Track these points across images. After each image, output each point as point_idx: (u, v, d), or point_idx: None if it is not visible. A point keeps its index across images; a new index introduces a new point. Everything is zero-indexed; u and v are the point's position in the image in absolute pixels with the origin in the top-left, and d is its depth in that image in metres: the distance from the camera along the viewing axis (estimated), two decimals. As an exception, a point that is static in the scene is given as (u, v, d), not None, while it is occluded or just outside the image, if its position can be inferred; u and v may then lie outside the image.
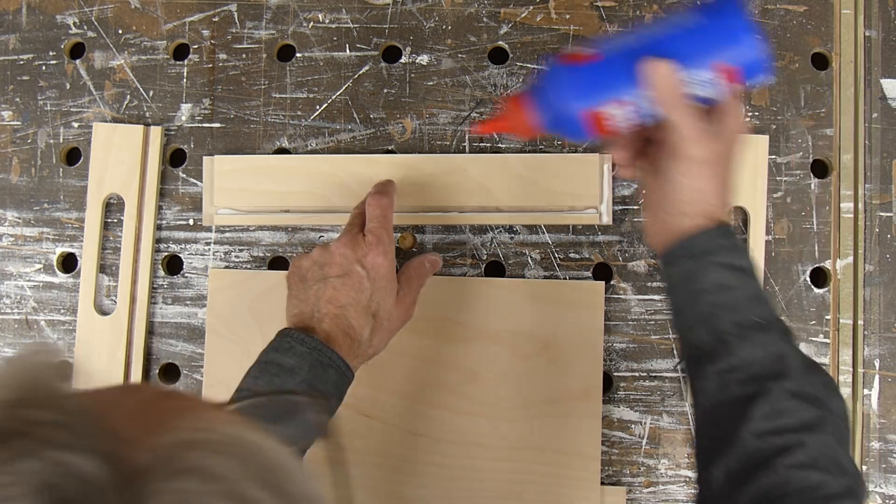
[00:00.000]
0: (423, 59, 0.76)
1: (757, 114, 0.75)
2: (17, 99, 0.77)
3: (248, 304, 0.74)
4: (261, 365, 0.58)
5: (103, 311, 0.75)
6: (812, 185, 0.75)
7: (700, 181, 0.51)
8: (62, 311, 0.75)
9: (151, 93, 0.77)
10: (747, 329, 0.50)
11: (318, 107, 0.76)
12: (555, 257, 0.74)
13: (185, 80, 0.77)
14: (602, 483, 0.71)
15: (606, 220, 0.74)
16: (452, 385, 0.72)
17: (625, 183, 0.75)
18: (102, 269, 0.76)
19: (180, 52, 0.78)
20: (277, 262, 0.76)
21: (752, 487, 0.47)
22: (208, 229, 0.76)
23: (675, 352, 0.73)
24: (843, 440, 0.50)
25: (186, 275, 0.75)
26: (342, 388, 0.59)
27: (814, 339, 0.73)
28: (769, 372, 0.49)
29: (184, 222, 0.76)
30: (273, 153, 0.76)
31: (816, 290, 0.74)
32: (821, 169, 0.75)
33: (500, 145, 0.75)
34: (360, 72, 0.76)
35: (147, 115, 0.77)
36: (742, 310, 0.51)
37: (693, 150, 0.51)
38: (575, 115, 0.54)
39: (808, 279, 0.74)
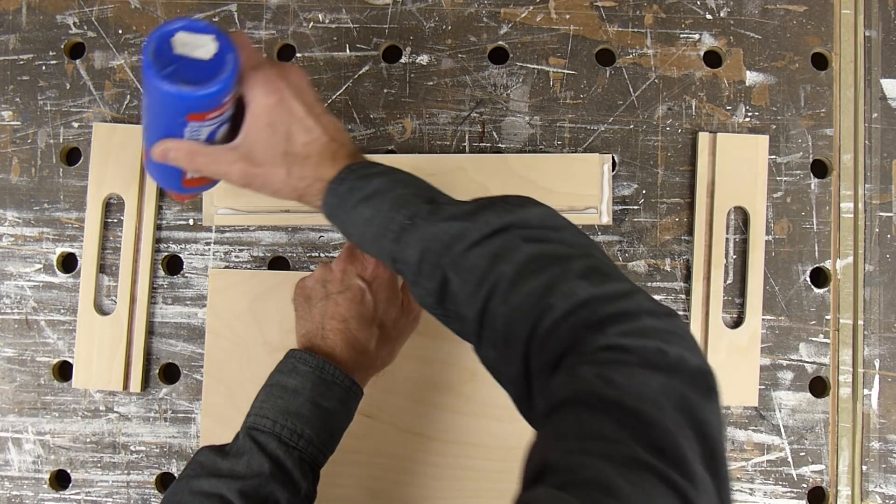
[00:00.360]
0: (423, 59, 0.76)
1: (757, 114, 0.75)
2: (17, 99, 0.77)
3: (248, 304, 0.74)
4: (267, 388, 0.59)
5: (103, 311, 0.75)
6: (812, 185, 0.75)
7: (276, 193, 0.56)
8: (62, 311, 0.75)
9: (151, 93, 0.77)
10: (399, 239, 0.51)
11: (318, 107, 0.76)
12: (555, 257, 0.74)
13: (185, 80, 0.77)
14: (602, 483, 0.71)
15: (606, 220, 0.74)
16: (452, 385, 0.72)
17: (625, 183, 0.75)
18: (102, 269, 0.76)
19: (180, 52, 0.78)
20: (277, 262, 0.76)
21: (524, 290, 0.47)
22: (208, 229, 0.76)
23: (675, 352, 0.73)
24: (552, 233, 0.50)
25: (186, 275, 0.75)
26: (349, 404, 0.60)
27: (814, 339, 0.73)
28: (439, 255, 0.50)
29: (184, 222, 0.76)
30: (273, 153, 0.76)
31: (816, 290, 0.74)
32: (821, 169, 0.75)
33: (500, 145, 0.75)
34: (360, 72, 0.76)
35: (147, 115, 0.77)
36: (387, 230, 0.52)
37: (243, 155, 0.56)
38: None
39: (808, 279, 0.74)
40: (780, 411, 0.73)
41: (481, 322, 0.49)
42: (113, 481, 0.74)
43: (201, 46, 0.52)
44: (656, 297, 0.73)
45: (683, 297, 0.74)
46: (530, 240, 0.48)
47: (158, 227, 0.76)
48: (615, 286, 0.46)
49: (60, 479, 0.75)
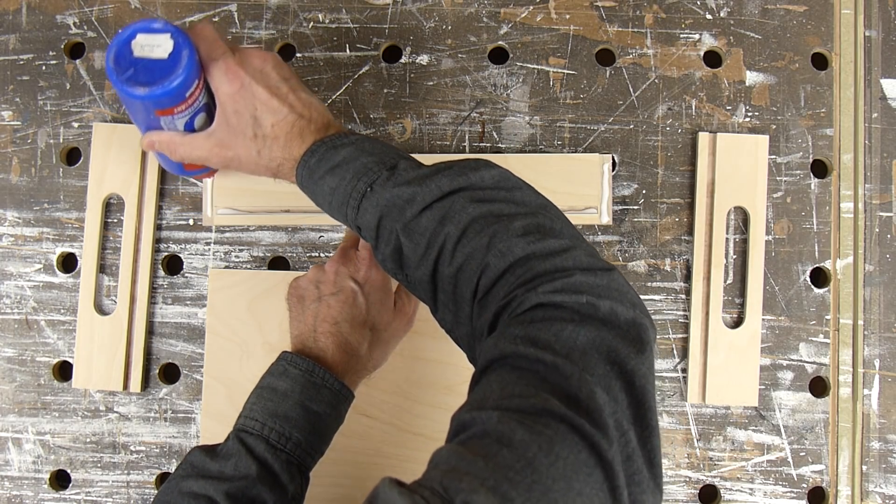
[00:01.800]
0: (423, 59, 0.76)
1: (757, 114, 0.75)
2: (17, 99, 0.77)
3: (248, 304, 0.74)
4: (258, 391, 0.59)
5: (103, 311, 0.75)
6: (812, 185, 0.75)
7: (252, 169, 0.59)
8: (62, 311, 0.75)
9: (151, 93, 0.77)
10: (359, 206, 0.53)
11: (318, 107, 0.76)
12: (555, 257, 0.74)
13: (185, 80, 0.77)
14: (602, 483, 0.71)
15: (606, 220, 0.74)
16: (452, 385, 0.72)
17: (625, 183, 0.75)
18: (102, 269, 0.76)
19: (180, 52, 0.78)
20: (277, 262, 0.76)
21: (462, 254, 0.48)
22: (208, 229, 0.76)
23: (674, 352, 0.73)
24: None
25: (186, 275, 0.75)
26: (339, 407, 0.60)
27: (814, 339, 0.73)
28: (390, 220, 0.51)
29: (184, 222, 0.76)
30: (273, 153, 0.76)
31: (816, 290, 0.74)
32: (821, 169, 0.75)
33: (500, 145, 0.75)
34: (360, 72, 0.76)
35: (147, 115, 0.77)
36: (349, 197, 0.53)
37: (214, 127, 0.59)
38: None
39: (808, 279, 0.74)
40: (780, 411, 0.73)
41: (434, 285, 0.50)
42: (113, 481, 0.74)
43: (158, 46, 0.55)
44: (656, 298, 0.73)
45: (683, 297, 0.74)
46: (478, 200, 0.49)
47: (158, 227, 0.76)
48: (553, 243, 0.46)
49: (60, 479, 0.75)
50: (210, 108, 0.61)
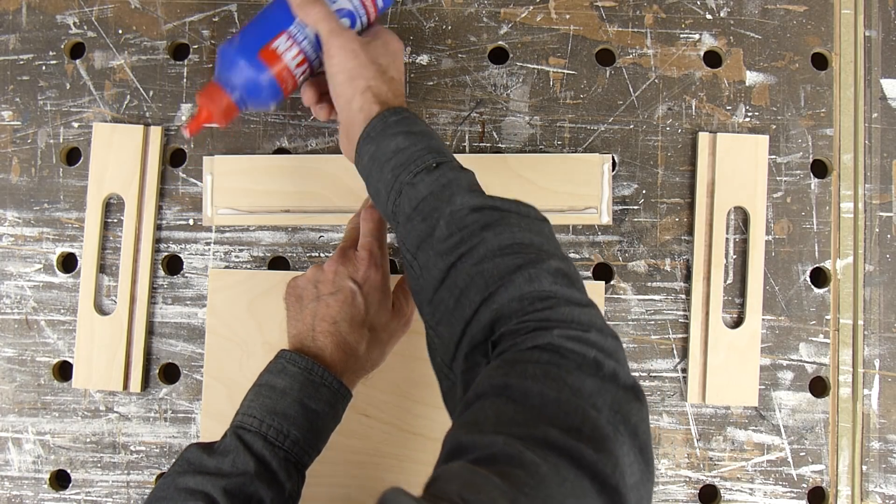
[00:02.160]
0: (423, 59, 0.76)
1: (757, 114, 0.75)
2: (17, 99, 0.77)
3: (247, 304, 0.74)
4: (256, 388, 0.59)
5: (103, 311, 0.75)
6: (812, 185, 0.75)
7: (357, 77, 0.59)
8: (62, 311, 0.75)
9: (151, 93, 0.77)
10: (419, 174, 0.55)
11: (318, 107, 0.76)
12: (555, 257, 0.74)
13: (185, 80, 0.77)
14: (602, 483, 0.71)
15: (606, 220, 0.74)
16: (452, 385, 0.72)
17: (625, 183, 0.75)
18: (102, 269, 0.76)
19: (180, 52, 0.78)
20: (277, 262, 0.76)
21: (446, 291, 0.50)
22: (208, 229, 0.76)
23: (674, 352, 0.73)
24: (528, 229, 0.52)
25: (186, 275, 0.75)
26: (337, 406, 0.60)
27: (814, 339, 0.73)
28: (440, 200, 0.53)
29: (184, 222, 0.76)
30: (273, 153, 0.76)
31: (816, 290, 0.74)
32: (821, 169, 0.75)
33: (500, 145, 0.75)
34: (360, 72, 0.76)
35: (147, 115, 0.77)
36: (416, 162, 0.55)
37: (342, 53, 0.60)
38: (255, 73, 0.62)
39: (808, 279, 0.74)
40: (780, 411, 0.73)
41: (444, 277, 0.51)
42: (113, 481, 0.74)
43: None
44: (656, 298, 0.74)
45: (683, 297, 0.74)
46: (526, 229, 0.51)
47: (158, 227, 0.76)
48: (577, 294, 0.48)
49: (60, 479, 0.75)
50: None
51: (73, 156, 0.77)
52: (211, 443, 0.57)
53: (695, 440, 0.73)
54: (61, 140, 0.77)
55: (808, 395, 0.73)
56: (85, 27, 0.77)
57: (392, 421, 0.72)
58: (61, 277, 0.76)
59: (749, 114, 0.75)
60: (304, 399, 0.58)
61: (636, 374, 0.73)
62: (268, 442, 0.56)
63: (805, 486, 0.72)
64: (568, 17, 0.76)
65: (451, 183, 0.54)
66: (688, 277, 0.74)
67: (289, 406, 0.57)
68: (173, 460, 0.73)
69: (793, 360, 0.73)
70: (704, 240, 0.73)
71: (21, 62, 0.77)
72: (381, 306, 0.63)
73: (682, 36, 0.76)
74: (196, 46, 0.77)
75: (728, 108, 0.75)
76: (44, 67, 0.77)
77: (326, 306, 0.61)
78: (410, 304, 0.67)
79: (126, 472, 0.74)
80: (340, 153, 0.75)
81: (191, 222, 0.76)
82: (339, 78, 0.60)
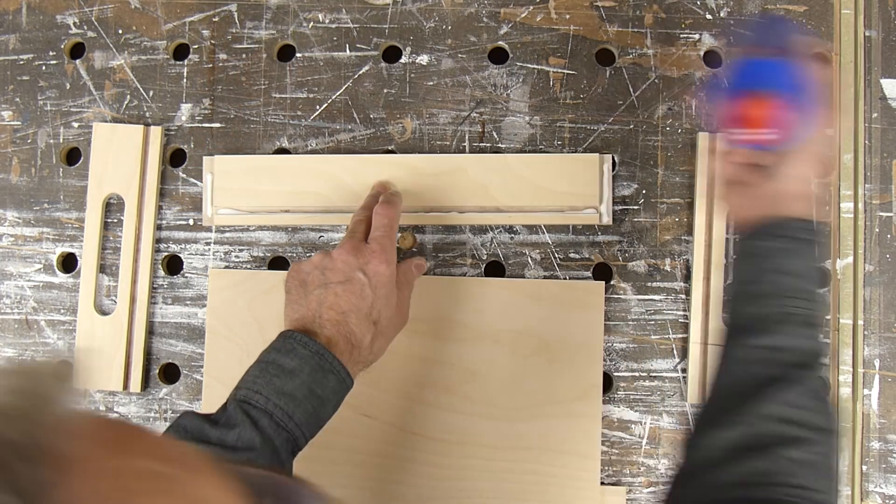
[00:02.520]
0: (423, 59, 0.76)
1: (757, 114, 0.75)
2: (17, 99, 0.77)
3: (248, 304, 0.74)
4: (261, 365, 0.58)
5: (103, 311, 0.75)
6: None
7: (802, 177, 0.58)
8: (62, 311, 0.75)
9: (151, 93, 0.77)
10: (798, 318, 0.53)
11: (318, 107, 0.76)
12: (555, 257, 0.74)
13: (185, 80, 0.77)
14: (602, 483, 0.71)
15: (606, 220, 0.74)
16: (452, 385, 0.72)
17: (625, 183, 0.75)
18: (102, 269, 0.76)
19: (180, 52, 0.78)
20: (277, 262, 0.76)
21: (743, 466, 0.49)
22: (208, 229, 0.76)
23: (674, 352, 0.73)
24: (836, 457, 0.52)
25: (186, 275, 0.75)
26: (340, 395, 0.60)
27: (814, 339, 0.73)
28: (802, 364, 0.52)
29: (184, 222, 0.76)
30: (273, 153, 0.76)
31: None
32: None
33: (500, 145, 0.75)
34: (360, 72, 0.76)
35: (147, 115, 0.77)
36: (799, 300, 0.54)
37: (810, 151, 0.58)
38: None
39: (808, 279, 0.74)
40: (780, 411, 0.73)
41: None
42: (113, 481, 0.74)
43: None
44: (656, 298, 0.73)
45: (683, 297, 0.74)
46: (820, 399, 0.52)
47: (158, 227, 0.76)
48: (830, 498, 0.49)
49: (60, 479, 0.75)
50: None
51: (73, 156, 0.77)
52: (208, 414, 0.56)
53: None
54: (61, 140, 0.77)
55: (808, 395, 0.73)
56: (85, 27, 0.77)
57: (393, 421, 0.72)
58: (61, 277, 0.76)
59: (749, 114, 0.75)
60: (312, 384, 0.56)
61: (636, 373, 0.73)
62: (273, 421, 0.55)
63: (805, 486, 0.72)
64: (568, 17, 0.76)
65: (818, 355, 0.54)
66: (688, 277, 0.74)
67: (297, 388, 0.56)
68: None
69: (793, 360, 0.73)
70: (704, 240, 0.73)
71: (21, 62, 0.77)
72: (387, 301, 0.63)
73: (682, 36, 0.76)
74: (196, 46, 0.77)
75: (728, 108, 0.75)
76: (44, 67, 0.77)
77: (335, 295, 0.60)
78: (406, 298, 0.67)
79: (126, 472, 0.74)
80: (340, 153, 0.75)
81: (191, 222, 0.76)
82: (784, 186, 0.59)
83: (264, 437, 0.54)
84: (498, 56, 0.76)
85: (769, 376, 0.51)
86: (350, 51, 0.76)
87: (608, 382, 0.73)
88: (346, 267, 0.62)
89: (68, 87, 0.77)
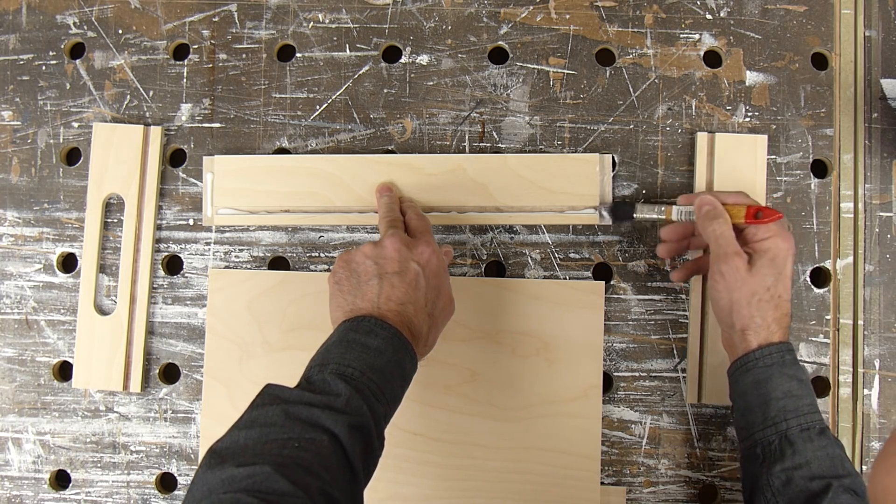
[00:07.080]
0: (423, 59, 0.76)
1: (757, 114, 0.75)
2: (17, 99, 0.77)
3: (248, 304, 0.74)
4: (344, 343, 0.56)
5: (103, 311, 0.75)
6: (812, 185, 0.75)
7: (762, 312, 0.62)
8: (62, 311, 0.75)
9: (151, 93, 0.77)
10: (811, 433, 0.59)
11: (318, 107, 0.76)
12: (555, 257, 0.74)
13: (185, 80, 0.77)
14: (602, 483, 0.71)
15: (606, 220, 0.74)
16: (452, 385, 0.72)
17: (625, 183, 0.75)
18: (102, 269, 0.76)
19: (180, 52, 0.78)
20: (277, 262, 0.76)
21: None
22: (208, 229, 0.76)
23: (674, 352, 0.73)
24: None
25: (186, 275, 0.75)
26: (410, 379, 0.59)
27: (814, 339, 0.73)
28: (829, 471, 0.58)
29: (184, 222, 0.76)
30: (273, 153, 0.76)
31: (816, 290, 0.74)
32: (821, 169, 0.75)
33: (500, 145, 0.75)
34: (360, 72, 0.76)
35: (147, 115, 0.77)
36: (804, 416, 0.60)
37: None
38: None
39: (808, 279, 0.74)
40: (780, 411, 0.73)
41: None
42: (113, 481, 0.74)
43: None
44: (656, 298, 0.73)
45: (683, 297, 0.74)
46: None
47: (158, 227, 0.76)
48: None
49: (60, 479, 0.75)
50: None
51: (73, 156, 0.77)
52: (292, 387, 0.53)
53: (695, 440, 0.73)
54: (61, 140, 0.77)
55: (808, 395, 0.73)
56: (85, 27, 0.77)
57: (393, 421, 0.71)
58: (61, 277, 0.76)
59: (749, 114, 0.75)
60: (395, 365, 0.55)
61: (636, 373, 0.73)
62: (371, 393, 0.53)
63: (805, 486, 0.72)
64: (568, 17, 0.76)
65: (840, 458, 0.60)
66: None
67: (386, 364, 0.55)
68: (173, 460, 0.73)
69: (793, 360, 0.73)
70: (704, 240, 0.73)
71: (21, 62, 0.77)
72: (439, 291, 0.62)
73: (682, 36, 0.76)
74: (196, 46, 0.77)
75: (728, 108, 0.75)
76: (44, 67, 0.77)
77: (391, 286, 0.59)
78: (449, 286, 0.65)
79: (126, 472, 0.74)
80: (340, 153, 0.75)
81: (191, 222, 0.76)
82: (745, 322, 0.63)
83: (370, 406, 0.53)
84: (498, 56, 0.76)
85: (812, 491, 0.57)
86: (350, 51, 0.76)
87: (608, 382, 0.73)
88: (399, 256, 0.60)
89: (68, 87, 0.77)
